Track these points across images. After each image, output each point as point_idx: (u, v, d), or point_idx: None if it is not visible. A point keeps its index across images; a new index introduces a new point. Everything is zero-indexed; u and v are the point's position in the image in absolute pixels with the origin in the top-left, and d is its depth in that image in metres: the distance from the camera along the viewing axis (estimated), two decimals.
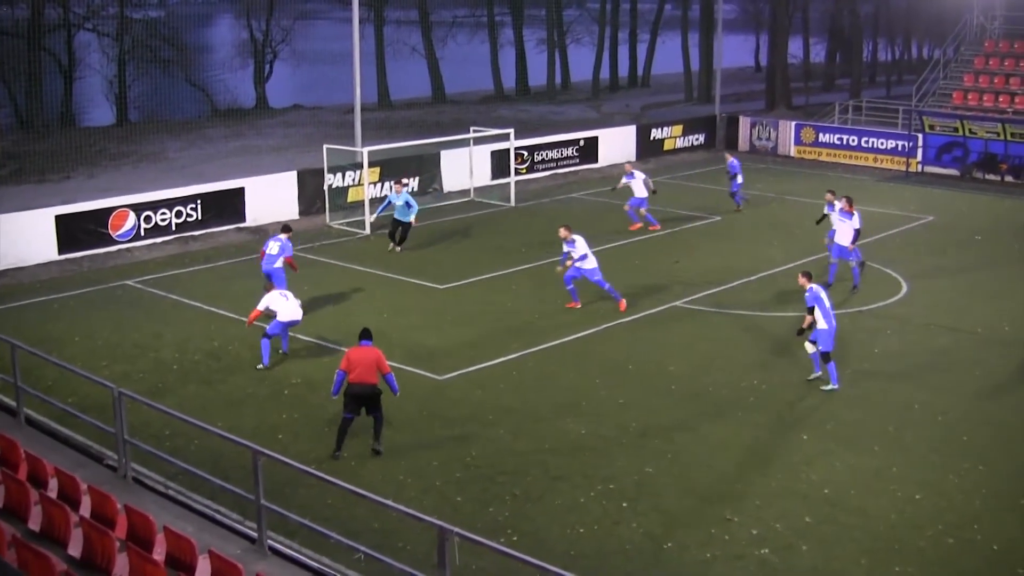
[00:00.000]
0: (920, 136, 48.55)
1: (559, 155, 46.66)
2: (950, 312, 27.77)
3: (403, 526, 16.02)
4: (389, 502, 14.26)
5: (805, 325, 22.39)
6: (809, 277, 22.84)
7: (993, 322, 26.91)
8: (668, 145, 52.18)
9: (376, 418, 19.22)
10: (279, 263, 26.84)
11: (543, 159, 45.94)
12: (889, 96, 73.06)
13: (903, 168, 48.68)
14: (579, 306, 27.43)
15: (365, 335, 19.52)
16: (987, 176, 46.44)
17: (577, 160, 47.50)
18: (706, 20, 75.95)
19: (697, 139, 53.81)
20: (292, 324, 23.98)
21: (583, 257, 26.91)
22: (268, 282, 26.30)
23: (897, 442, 20.08)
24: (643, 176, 36.38)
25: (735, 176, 38.68)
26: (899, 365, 24.15)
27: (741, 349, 25.00)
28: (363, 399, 19.03)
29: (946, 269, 32.03)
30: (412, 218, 33.00)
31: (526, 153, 44.57)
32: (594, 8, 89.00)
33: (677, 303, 28.22)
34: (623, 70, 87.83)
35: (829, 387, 22.41)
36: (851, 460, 19.26)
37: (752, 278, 30.63)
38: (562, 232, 27.23)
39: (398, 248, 33.12)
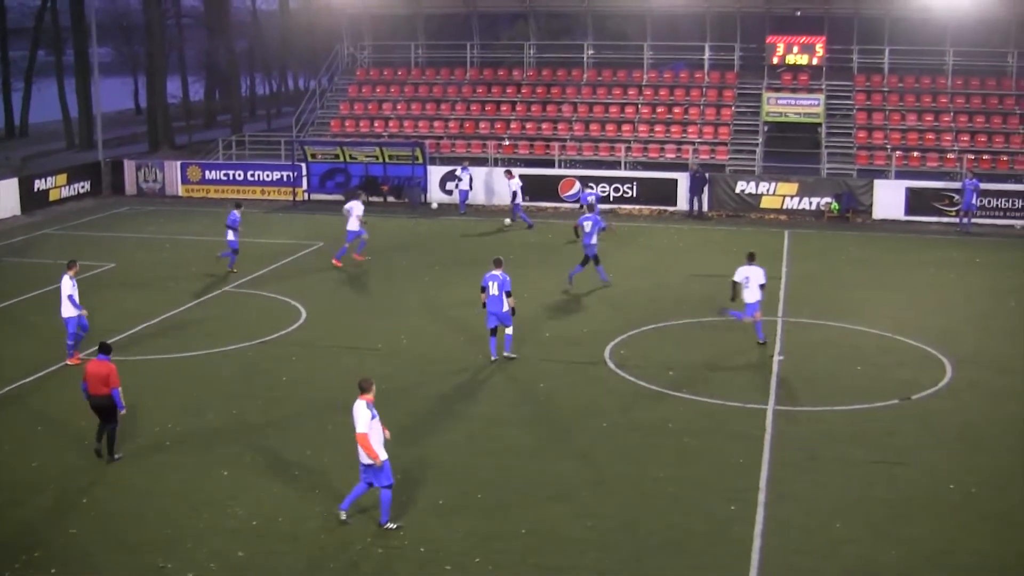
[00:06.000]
0: (304, 165, 50.32)
1: None
2: (350, 332, 29.05)
3: None
4: None
5: None
6: None
7: (391, 337, 28.44)
8: (54, 195, 50.61)
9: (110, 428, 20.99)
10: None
11: None
12: (270, 129, 74.89)
13: (290, 198, 50.22)
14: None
15: (103, 349, 21.10)
16: (370, 198, 48.78)
17: None
18: (81, 65, 74.49)
19: (83, 186, 52.62)
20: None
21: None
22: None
23: (316, 465, 20.76)
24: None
25: None
26: (307, 390, 24.95)
27: (152, 394, 24.75)
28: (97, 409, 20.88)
29: (341, 291, 33.40)
30: None
31: None
32: None
33: (82, 356, 27.51)
34: None
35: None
36: (274, 489, 19.72)
37: (152, 322, 30.42)
38: None
39: None
